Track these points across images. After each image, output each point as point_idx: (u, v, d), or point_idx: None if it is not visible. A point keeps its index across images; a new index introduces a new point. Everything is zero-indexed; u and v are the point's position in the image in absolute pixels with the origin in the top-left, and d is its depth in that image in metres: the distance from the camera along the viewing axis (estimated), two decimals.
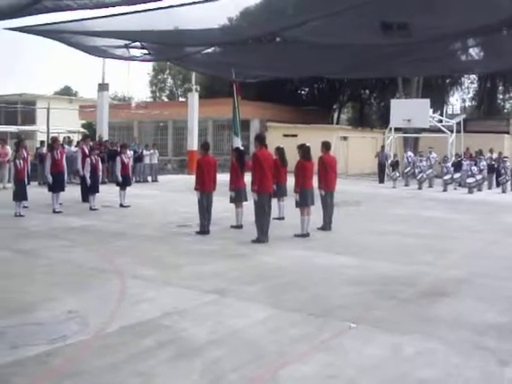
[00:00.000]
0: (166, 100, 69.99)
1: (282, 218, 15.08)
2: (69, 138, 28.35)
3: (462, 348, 6.13)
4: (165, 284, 8.54)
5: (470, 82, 52.73)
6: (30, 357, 5.59)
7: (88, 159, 17.30)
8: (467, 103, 58.08)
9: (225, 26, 14.96)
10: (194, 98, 35.40)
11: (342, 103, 56.83)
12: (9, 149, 23.72)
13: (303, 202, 12.82)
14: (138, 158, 27.97)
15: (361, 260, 10.57)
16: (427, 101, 33.78)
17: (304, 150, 13.03)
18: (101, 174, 18.17)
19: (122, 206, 17.65)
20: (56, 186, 16.07)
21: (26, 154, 16.60)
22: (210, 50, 18.71)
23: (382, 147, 33.27)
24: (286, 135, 36.91)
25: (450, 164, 29.01)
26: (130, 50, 17.97)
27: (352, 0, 11.81)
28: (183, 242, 12.11)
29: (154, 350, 5.84)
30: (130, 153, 22.05)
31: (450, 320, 7.06)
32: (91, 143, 20.56)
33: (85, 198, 17.89)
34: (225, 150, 40.27)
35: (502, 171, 28.63)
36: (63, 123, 42.94)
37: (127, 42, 16.95)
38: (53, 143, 17.22)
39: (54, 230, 13.21)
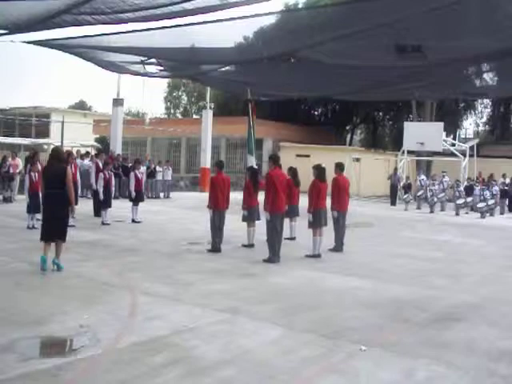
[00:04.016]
0: (180, 117, 70.27)
1: (294, 238, 15.06)
2: (78, 151, 28.34)
3: (474, 374, 6.07)
4: (176, 301, 8.52)
5: (484, 107, 52.75)
6: (41, 370, 5.57)
7: (101, 174, 17.35)
8: (480, 128, 58.10)
9: (240, 45, 15.05)
10: (208, 115, 35.51)
11: (355, 124, 56.94)
12: (19, 161, 23.93)
13: (316, 223, 12.79)
14: (151, 174, 28.06)
15: (373, 282, 10.51)
16: (441, 124, 33.80)
17: (319, 171, 13.01)
18: (113, 188, 18.21)
19: (134, 221, 17.68)
20: None
21: (40, 167, 16.66)
22: (225, 69, 18.84)
23: (395, 169, 33.25)
24: (298, 155, 36.97)
25: (462, 188, 28.91)
26: (146, 66, 18.13)
27: (366, 22, 11.89)
28: (195, 260, 12.10)
29: (164, 367, 5.81)
30: (143, 168, 22.13)
31: (462, 345, 6.99)
32: (105, 157, 20.67)
33: (97, 213, 17.92)
34: (237, 169, 40.36)
35: None
36: (77, 137, 43.11)
37: (143, 58, 17.09)
38: (67, 157, 17.26)
39: (66, 244, 13.18)
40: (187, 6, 10.27)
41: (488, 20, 11.69)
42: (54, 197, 10.04)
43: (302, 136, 43.47)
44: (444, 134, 34.25)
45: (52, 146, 42.40)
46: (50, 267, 10.07)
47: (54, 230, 10.13)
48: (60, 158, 10.45)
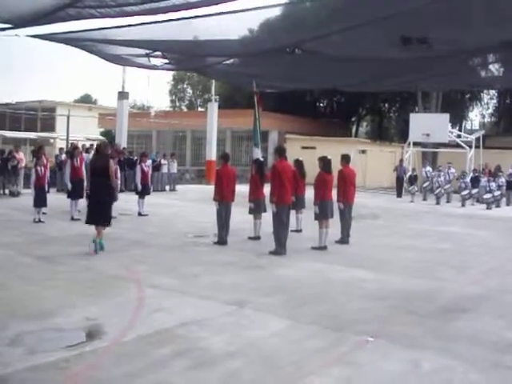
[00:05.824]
0: (185, 110, 70.20)
1: (300, 231, 15.03)
2: (83, 146, 28.38)
3: (481, 366, 6.06)
4: (182, 294, 8.54)
5: (490, 98, 52.52)
6: (48, 363, 5.59)
7: None
8: (486, 119, 57.92)
9: (245, 38, 15.00)
10: (213, 108, 35.48)
11: (361, 116, 56.85)
12: (22, 155, 23.99)
13: (322, 215, 12.78)
14: (156, 167, 28.06)
15: (379, 274, 10.50)
16: (447, 115, 33.62)
17: (325, 163, 12.99)
18: (119, 182, 18.23)
19: (140, 214, 17.70)
20: (75, 193, 16.14)
21: (46, 161, 16.69)
22: (230, 61, 18.78)
23: (401, 161, 33.17)
24: (304, 147, 36.90)
25: (468, 179, 28.84)
26: (151, 59, 18.09)
27: (372, 14, 11.83)
28: (201, 252, 12.10)
29: (170, 359, 5.82)
30: (149, 161, 22.13)
31: (469, 337, 6.99)
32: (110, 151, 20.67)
33: None
34: (243, 161, 40.36)
35: None
36: (82, 131, 43.18)
37: (148, 51, 17.06)
38: (73, 151, 17.32)
39: (72, 237, 13.27)
40: None
41: (493, 10, 11.62)
42: (99, 184, 11.32)
43: (308, 128, 43.41)
44: (450, 125, 34.14)
45: (58, 140, 42.57)
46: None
47: (99, 213, 11.38)
48: (105, 151, 11.79)
